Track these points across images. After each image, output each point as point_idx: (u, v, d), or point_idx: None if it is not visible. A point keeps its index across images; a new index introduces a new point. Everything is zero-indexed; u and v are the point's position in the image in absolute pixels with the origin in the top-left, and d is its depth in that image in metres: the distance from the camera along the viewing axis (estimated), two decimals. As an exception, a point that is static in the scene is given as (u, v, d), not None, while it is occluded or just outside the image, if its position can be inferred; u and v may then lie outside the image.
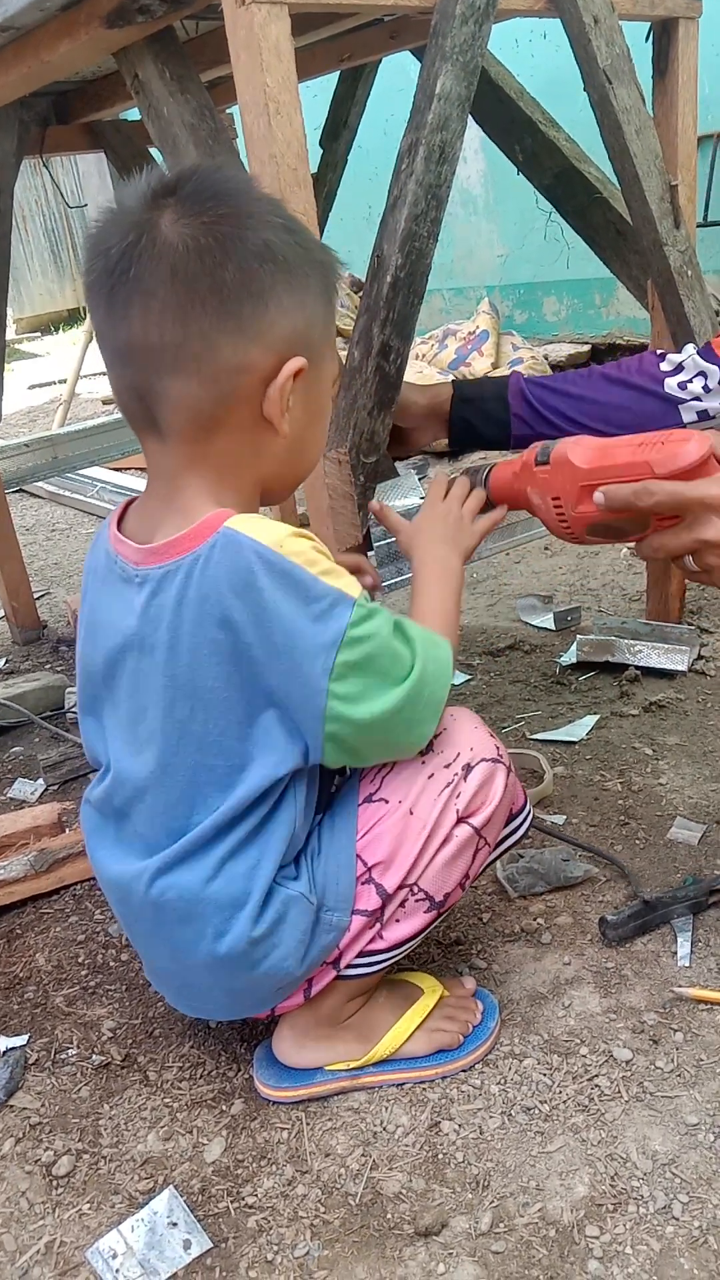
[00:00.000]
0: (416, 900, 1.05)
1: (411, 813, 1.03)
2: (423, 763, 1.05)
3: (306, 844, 1.04)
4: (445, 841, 1.04)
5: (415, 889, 1.04)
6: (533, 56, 3.93)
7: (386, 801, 1.04)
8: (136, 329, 0.89)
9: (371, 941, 1.06)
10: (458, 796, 1.04)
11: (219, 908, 0.98)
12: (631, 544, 1.14)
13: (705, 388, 1.41)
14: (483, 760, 1.06)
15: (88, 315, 5.60)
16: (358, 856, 1.03)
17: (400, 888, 1.03)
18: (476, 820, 1.05)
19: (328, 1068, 1.11)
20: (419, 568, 1.18)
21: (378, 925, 1.05)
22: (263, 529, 0.91)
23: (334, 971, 1.06)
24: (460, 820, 1.04)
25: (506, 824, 1.13)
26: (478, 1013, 1.16)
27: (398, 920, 1.05)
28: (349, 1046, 1.11)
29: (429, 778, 1.04)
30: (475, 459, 1.52)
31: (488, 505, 1.29)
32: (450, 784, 1.04)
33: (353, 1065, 1.11)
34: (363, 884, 1.03)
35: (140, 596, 0.95)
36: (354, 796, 1.06)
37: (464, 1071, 1.12)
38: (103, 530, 1.04)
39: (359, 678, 0.93)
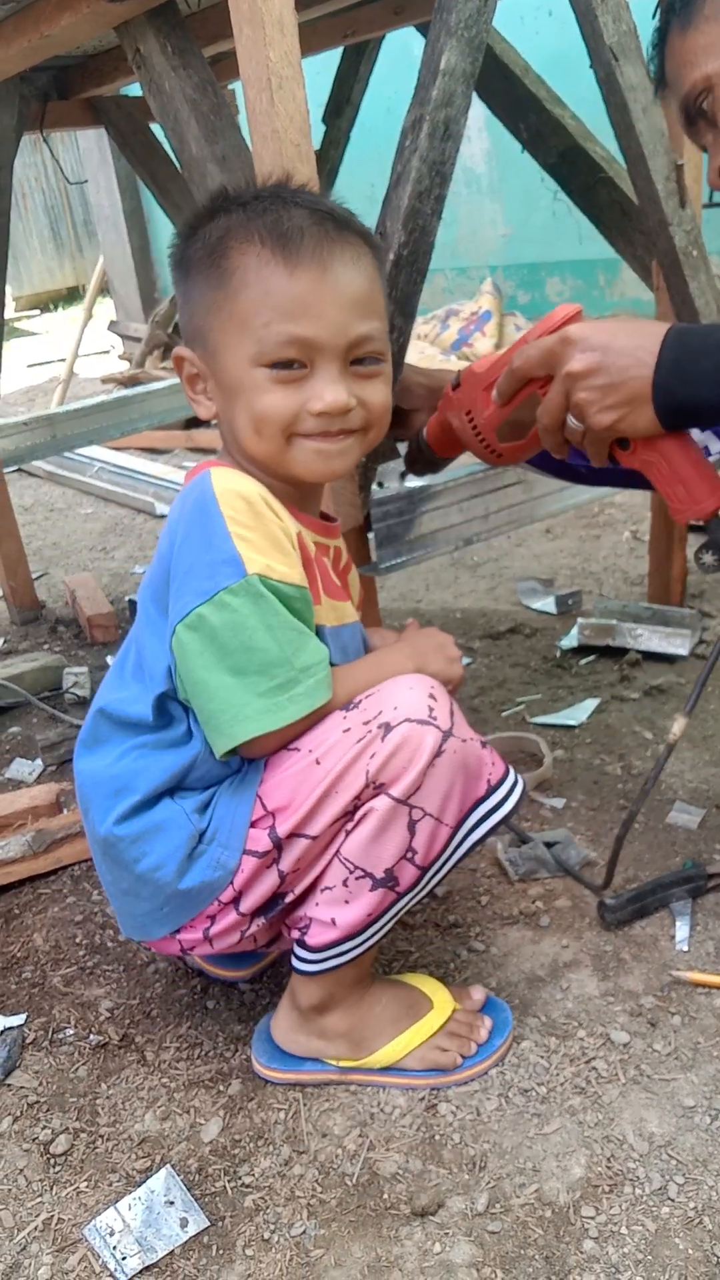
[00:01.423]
0: (357, 878, 1.00)
1: (318, 762, 0.98)
2: (344, 716, 0.99)
3: (225, 780, 1.04)
4: (364, 811, 0.98)
5: (348, 863, 1.00)
6: (538, 33, 3.90)
7: (298, 750, 1.00)
8: None
9: (321, 930, 1.03)
10: (371, 756, 0.96)
11: (105, 794, 1.06)
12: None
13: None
14: (407, 720, 0.97)
15: (87, 293, 5.59)
16: (259, 799, 1.00)
17: (295, 836, 0.99)
18: (397, 790, 0.97)
19: (321, 1059, 1.11)
20: (379, 652, 1.13)
21: (276, 872, 1.00)
22: (225, 480, 0.99)
23: (234, 914, 1.02)
24: (378, 787, 0.97)
25: (485, 798, 1.04)
26: (484, 1032, 1.12)
27: (346, 901, 1.01)
28: (341, 1048, 1.11)
29: (344, 731, 0.98)
30: None
31: (430, 458, 1.36)
32: (363, 740, 0.97)
33: (345, 1064, 1.10)
34: (261, 828, 0.99)
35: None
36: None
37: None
38: None
39: (204, 639, 0.96)
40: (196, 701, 1.00)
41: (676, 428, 1.09)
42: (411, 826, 0.99)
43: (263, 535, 0.97)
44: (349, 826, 1.00)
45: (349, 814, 1.00)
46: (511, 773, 1.08)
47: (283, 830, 0.99)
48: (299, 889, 1.04)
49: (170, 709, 1.05)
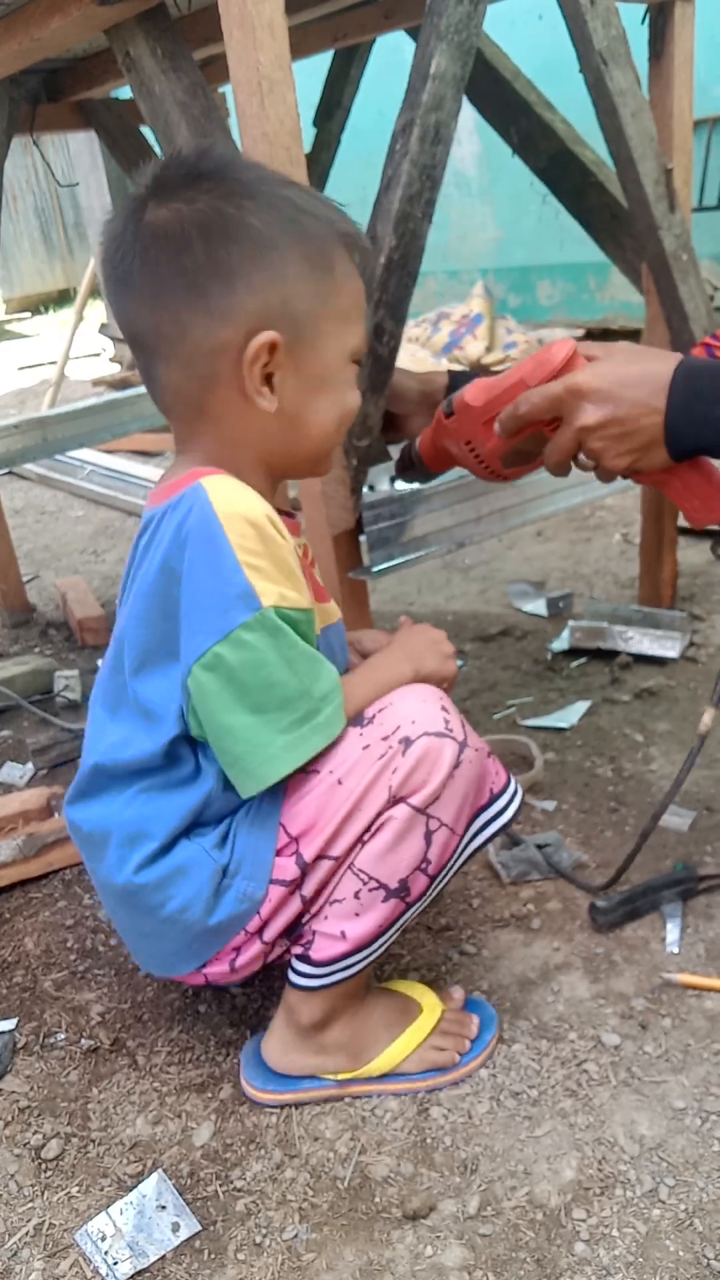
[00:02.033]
0: (370, 889, 1.00)
1: (340, 783, 0.97)
2: (360, 734, 0.99)
3: (237, 809, 1.01)
4: (382, 821, 0.98)
5: (362, 875, 0.99)
6: (528, 37, 3.91)
7: (318, 772, 0.98)
8: (126, 318, 0.96)
9: (329, 944, 1.02)
10: (393, 771, 0.97)
11: (118, 842, 1.02)
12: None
13: None
14: (426, 734, 0.98)
15: (78, 296, 5.58)
16: (281, 826, 0.99)
17: (321, 858, 0.99)
18: (418, 799, 0.98)
19: (317, 1075, 1.09)
20: (374, 659, 1.11)
21: (299, 898, 1.00)
22: (227, 494, 0.92)
23: (259, 943, 1.02)
24: (398, 800, 0.98)
25: (488, 806, 1.07)
26: (474, 1027, 1.13)
27: (356, 914, 1.01)
28: (339, 1061, 1.09)
29: (364, 749, 0.98)
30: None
31: (422, 469, 1.35)
32: (384, 756, 0.97)
33: (342, 1077, 1.09)
34: (287, 856, 0.99)
35: (137, 538, 1.01)
36: None
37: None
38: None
39: (222, 679, 0.92)
40: (219, 743, 0.96)
41: (689, 458, 1.13)
42: (428, 836, 1.00)
43: (273, 562, 0.92)
44: (365, 838, 0.99)
45: (369, 829, 1.00)
46: (512, 781, 1.11)
47: (309, 854, 0.99)
48: (317, 909, 1.03)
49: (178, 749, 1.00)
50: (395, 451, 1.45)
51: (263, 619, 0.91)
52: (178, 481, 0.95)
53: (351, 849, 0.99)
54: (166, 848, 1.00)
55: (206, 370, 0.94)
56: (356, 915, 1.01)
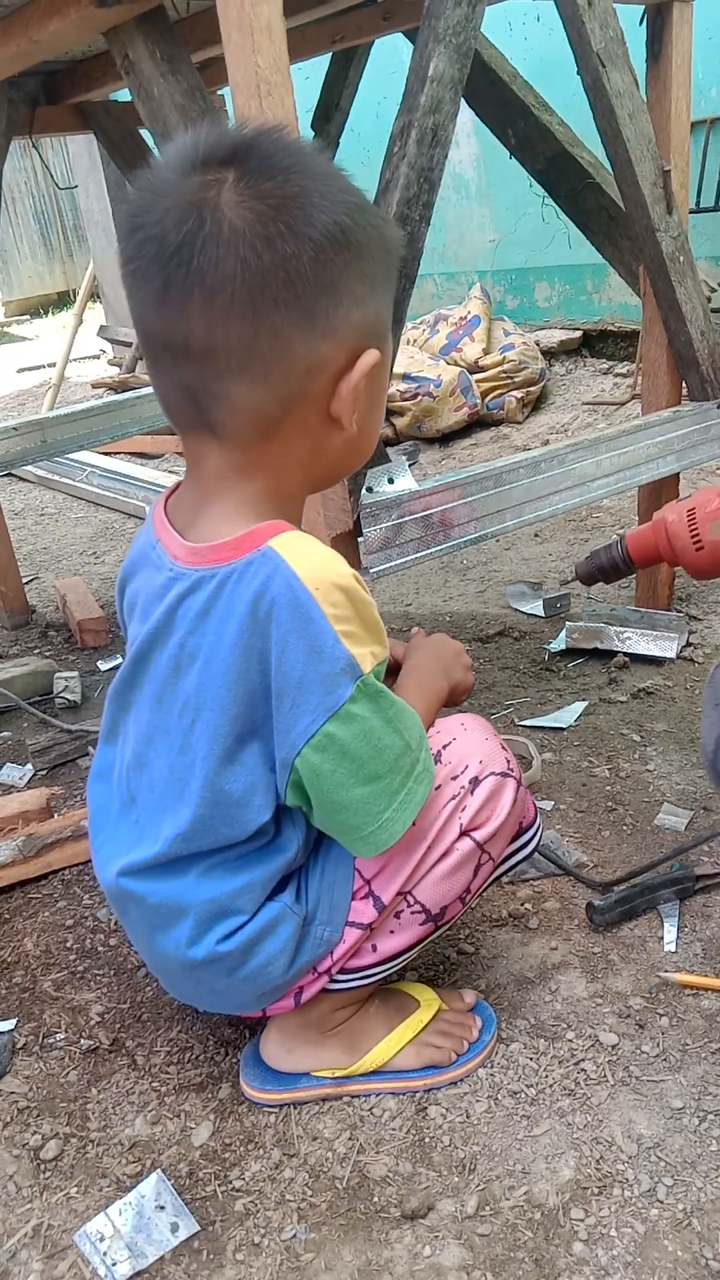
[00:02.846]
0: (413, 912, 1.02)
1: (414, 823, 0.97)
2: None
3: (310, 857, 1.02)
4: (446, 854, 1.01)
5: (410, 899, 1.02)
6: (526, 40, 3.91)
7: None
8: (198, 327, 0.81)
9: (360, 954, 1.04)
10: (463, 810, 1.01)
11: (198, 920, 0.97)
12: None
13: None
14: (491, 774, 1.03)
15: (78, 298, 5.58)
16: (357, 871, 1.01)
17: (397, 895, 1.01)
18: (480, 834, 1.02)
19: (314, 1073, 1.10)
20: (408, 673, 1.09)
21: (370, 933, 1.03)
22: (309, 559, 0.86)
23: (325, 979, 1.04)
24: (463, 833, 1.02)
25: (518, 836, 1.11)
26: (475, 1029, 1.13)
27: (392, 931, 1.03)
28: (335, 1055, 1.10)
29: (435, 789, 1.00)
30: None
31: (627, 566, 1.54)
32: (456, 796, 1.02)
33: (339, 1074, 1.10)
34: (360, 898, 1.01)
35: (171, 592, 0.91)
36: None
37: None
38: (151, 510, 0.99)
39: (335, 757, 0.89)
40: (332, 818, 0.94)
41: None
42: (477, 869, 1.04)
43: (364, 625, 0.88)
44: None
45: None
46: (539, 816, 1.15)
47: (386, 895, 1.00)
48: (383, 950, 1.04)
49: (265, 824, 0.96)
50: (393, 452, 1.45)
51: (365, 687, 0.87)
52: (238, 541, 0.87)
53: (421, 882, 1.02)
54: (252, 915, 0.98)
55: (297, 389, 0.85)
56: (392, 933, 1.04)
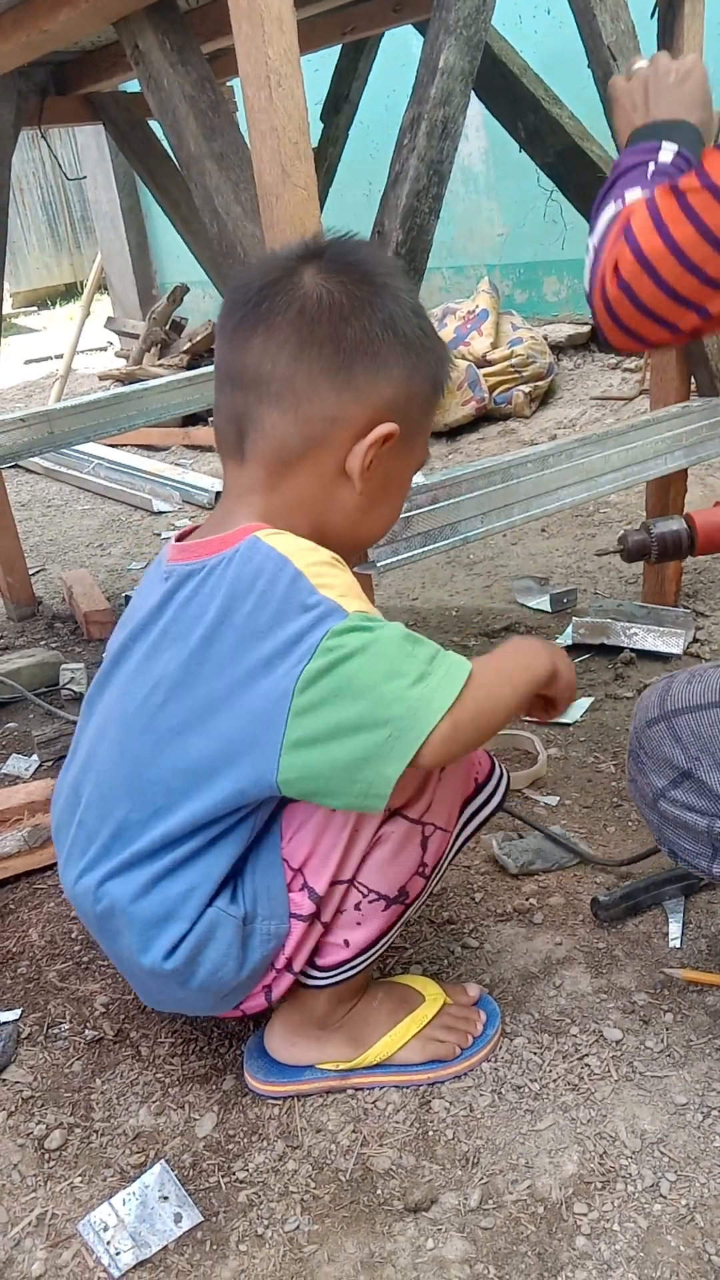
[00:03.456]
0: (370, 901, 1.01)
1: (332, 809, 0.97)
2: None
3: (243, 860, 1.00)
4: (378, 838, 0.99)
5: (362, 888, 1.01)
6: (536, 32, 3.90)
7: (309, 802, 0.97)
8: (253, 356, 0.94)
9: (334, 951, 1.04)
10: None
11: (144, 925, 0.97)
12: None
13: None
14: None
15: (85, 290, 5.58)
16: (284, 861, 1.00)
17: (333, 884, 1.00)
18: (413, 811, 1.00)
19: (318, 1065, 1.10)
20: (504, 646, 1.04)
21: (319, 925, 1.02)
22: (289, 542, 0.92)
23: (290, 975, 1.04)
24: (393, 814, 0.99)
25: (475, 794, 1.09)
26: (479, 1024, 1.13)
27: (358, 924, 1.03)
28: (339, 1048, 1.10)
29: None
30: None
31: (690, 547, 1.38)
32: None
33: (343, 1066, 1.10)
34: (296, 890, 1.00)
35: (163, 589, 0.97)
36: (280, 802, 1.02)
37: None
38: (167, 544, 1.04)
39: (325, 685, 0.86)
40: (348, 746, 0.86)
41: None
42: (424, 843, 1.02)
43: (348, 588, 0.91)
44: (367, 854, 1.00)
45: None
46: (497, 766, 1.11)
47: (320, 885, 0.99)
48: (356, 943, 1.04)
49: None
50: None
51: (353, 621, 0.87)
52: (227, 536, 0.94)
53: (359, 869, 1.01)
54: (192, 924, 0.97)
55: (319, 433, 0.95)
56: (358, 925, 1.03)
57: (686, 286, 0.93)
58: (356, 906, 1.02)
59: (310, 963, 1.05)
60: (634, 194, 1.01)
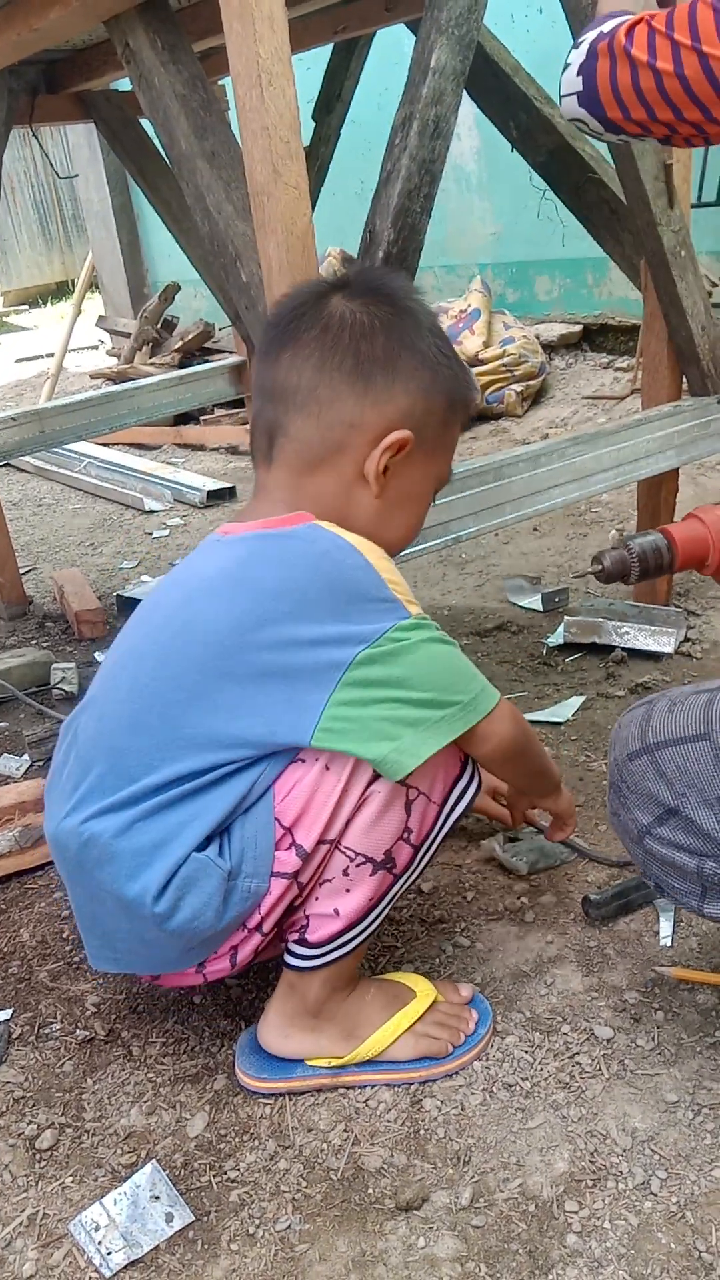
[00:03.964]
0: (357, 865, 1.03)
1: (327, 768, 1.00)
2: None
3: (233, 814, 1.02)
4: (365, 797, 1.01)
5: (349, 852, 1.02)
6: (528, 32, 3.90)
7: (304, 761, 1.00)
8: (282, 370, 1.04)
9: (325, 922, 1.04)
10: None
11: (134, 853, 0.99)
12: None
13: None
14: None
15: (76, 288, 5.57)
16: (276, 820, 1.01)
17: (319, 843, 1.01)
18: None
19: (309, 1062, 1.10)
20: None
21: (297, 886, 1.02)
22: (347, 533, 1.00)
23: (258, 937, 1.04)
24: (379, 774, 1.00)
25: (461, 775, 1.08)
26: (471, 1022, 1.14)
27: (347, 890, 1.03)
28: (333, 1043, 1.10)
29: None
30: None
31: (670, 561, 1.37)
32: None
33: (335, 1063, 1.10)
34: (284, 849, 1.01)
35: (214, 549, 1.06)
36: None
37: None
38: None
39: (383, 662, 0.96)
40: (402, 710, 0.97)
41: None
42: (408, 806, 1.03)
43: (402, 585, 1.01)
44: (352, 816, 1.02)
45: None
46: (469, 759, 1.12)
47: (308, 842, 1.01)
48: (309, 891, 1.05)
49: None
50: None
51: (418, 621, 0.98)
52: (285, 519, 1.02)
53: (345, 831, 1.02)
54: (177, 867, 0.98)
55: (338, 437, 1.03)
56: (347, 891, 1.04)
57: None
58: (344, 872, 1.03)
59: (302, 941, 1.06)
60: (620, 18, 1.05)
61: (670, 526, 1.35)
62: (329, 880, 1.03)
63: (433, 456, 1.09)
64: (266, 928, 1.04)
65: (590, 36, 1.07)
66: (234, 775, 1.00)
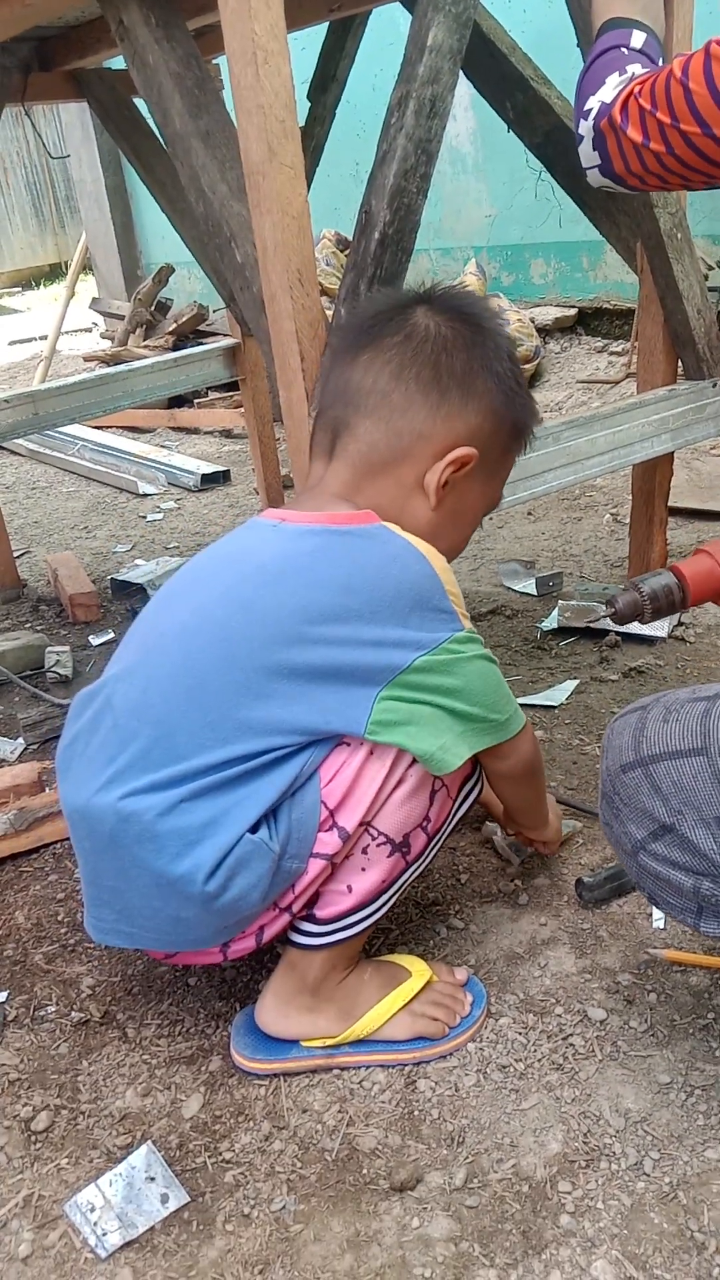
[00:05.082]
0: (378, 844, 1.04)
1: (372, 752, 1.01)
2: None
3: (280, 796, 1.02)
4: (401, 781, 1.03)
5: (374, 830, 1.04)
6: (525, 11, 3.88)
7: (349, 745, 1.02)
8: (358, 372, 1.06)
9: (338, 899, 1.05)
10: None
11: (179, 834, 0.97)
12: None
13: None
14: None
15: (70, 270, 5.54)
16: (322, 802, 1.02)
17: (359, 826, 1.03)
18: None
19: (305, 1043, 1.10)
20: None
21: (330, 867, 1.03)
22: (416, 540, 1.02)
23: (287, 916, 1.05)
24: (415, 760, 1.03)
25: (472, 773, 1.14)
26: (466, 1003, 1.14)
27: (363, 869, 1.05)
28: (330, 1022, 1.10)
29: None
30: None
31: (683, 598, 1.34)
32: None
33: (329, 1043, 1.10)
34: (326, 830, 1.02)
35: (282, 536, 1.04)
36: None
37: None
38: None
39: (439, 670, 1.00)
40: (454, 718, 1.02)
41: None
42: (432, 795, 1.07)
43: (458, 597, 1.04)
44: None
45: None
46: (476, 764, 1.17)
47: (350, 824, 1.02)
48: (359, 891, 1.06)
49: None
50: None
51: (472, 637, 1.03)
52: (353, 516, 1.03)
53: (382, 811, 1.04)
54: (230, 847, 0.97)
55: (405, 445, 1.05)
56: (363, 870, 1.05)
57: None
58: (364, 850, 1.05)
59: (309, 917, 1.06)
60: (613, 80, 1.14)
61: (679, 564, 1.34)
62: (349, 857, 1.05)
63: (491, 478, 1.13)
64: (296, 908, 1.05)
65: (594, 109, 1.15)
66: (286, 759, 1.00)
